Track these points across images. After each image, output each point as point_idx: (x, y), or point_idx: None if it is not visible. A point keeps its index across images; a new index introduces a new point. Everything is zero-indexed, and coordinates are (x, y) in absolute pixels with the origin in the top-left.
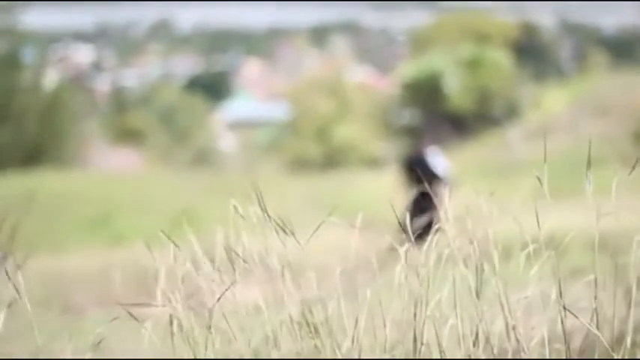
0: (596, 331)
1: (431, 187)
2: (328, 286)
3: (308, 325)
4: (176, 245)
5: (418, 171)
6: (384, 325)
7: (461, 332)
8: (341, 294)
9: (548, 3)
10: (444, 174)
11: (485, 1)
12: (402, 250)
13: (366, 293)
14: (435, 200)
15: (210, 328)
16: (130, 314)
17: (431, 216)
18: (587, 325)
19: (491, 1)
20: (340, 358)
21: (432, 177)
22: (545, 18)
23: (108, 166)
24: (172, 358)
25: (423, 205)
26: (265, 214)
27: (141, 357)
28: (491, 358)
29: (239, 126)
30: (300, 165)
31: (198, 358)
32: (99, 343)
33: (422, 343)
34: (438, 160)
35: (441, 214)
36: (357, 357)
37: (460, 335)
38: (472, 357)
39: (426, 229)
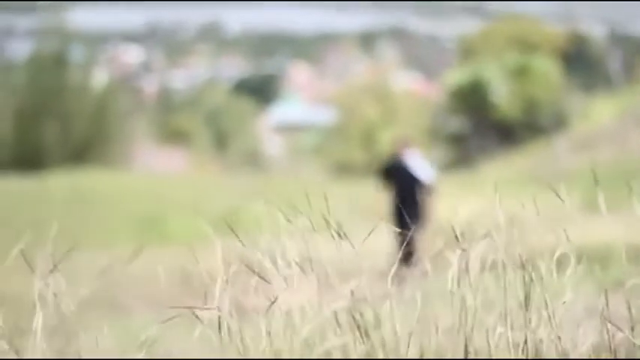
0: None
1: (412, 193)
2: (377, 291)
3: (359, 328)
4: (223, 246)
5: (397, 177)
6: (436, 331)
7: (510, 340)
8: (391, 299)
9: (597, 13)
10: (427, 179)
11: (533, 6)
12: (454, 256)
13: (413, 298)
14: (419, 207)
15: (259, 330)
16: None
17: (416, 224)
18: (629, 336)
19: (537, 0)
20: (388, 358)
21: (412, 182)
22: (594, 28)
23: (154, 167)
24: (221, 358)
25: (408, 212)
26: (325, 220)
27: (191, 357)
28: None
29: (285, 129)
30: (345, 169)
31: (247, 358)
32: (148, 343)
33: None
34: (420, 164)
35: (427, 221)
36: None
37: (509, 343)
38: None
39: (413, 236)
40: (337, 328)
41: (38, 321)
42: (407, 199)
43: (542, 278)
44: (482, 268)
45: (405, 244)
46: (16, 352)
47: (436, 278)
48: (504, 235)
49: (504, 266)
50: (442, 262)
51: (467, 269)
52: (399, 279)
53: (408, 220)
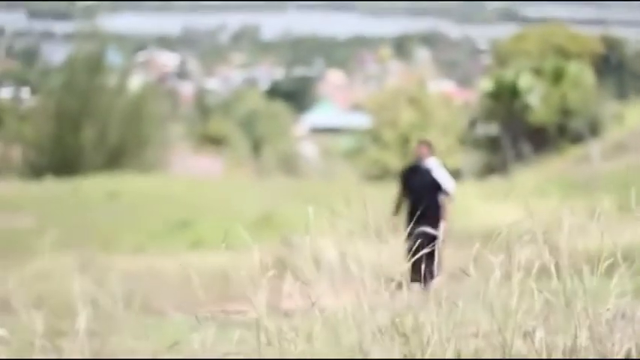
0: None
1: (429, 198)
2: (416, 294)
3: (398, 332)
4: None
5: (415, 180)
6: (476, 335)
7: (550, 344)
8: (429, 303)
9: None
10: (446, 185)
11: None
12: (494, 261)
13: (453, 302)
14: (435, 212)
15: (298, 332)
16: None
17: (431, 228)
18: None
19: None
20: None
21: (430, 187)
22: (627, 33)
23: (190, 171)
24: (260, 359)
25: (424, 216)
26: (366, 222)
27: (225, 358)
28: None
29: (320, 134)
30: (380, 174)
31: (286, 359)
32: (177, 344)
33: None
34: (439, 172)
35: (443, 225)
36: None
37: (549, 347)
38: None
39: (429, 240)
40: (377, 330)
41: (79, 322)
42: (423, 203)
43: (583, 282)
44: (522, 273)
45: (415, 249)
46: (57, 352)
47: (475, 282)
48: (543, 240)
49: (545, 271)
50: (482, 266)
51: (507, 274)
52: (415, 282)
53: (422, 224)
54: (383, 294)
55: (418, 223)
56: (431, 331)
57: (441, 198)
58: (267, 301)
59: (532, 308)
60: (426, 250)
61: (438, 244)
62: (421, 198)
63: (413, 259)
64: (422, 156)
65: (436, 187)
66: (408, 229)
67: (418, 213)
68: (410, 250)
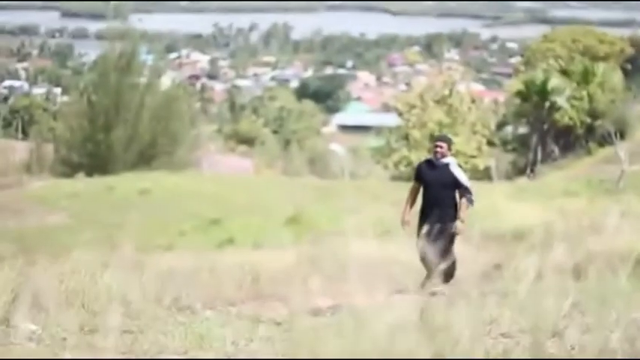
0: None
1: (448, 194)
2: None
3: (427, 331)
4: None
5: (431, 177)
6: (505, 335)
7: (581, 344)
8: (459, 301)
9: None
10: (465, 183)
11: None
12: (525, 261)
13: (482, 301)
14: (450, 209)
15: (329, 329)
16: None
17: (445, 226)
18: None
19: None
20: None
21: (450, 184)
22: None
23: (220, 169)
24: (292, 358)
25: (438, 213)
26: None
27: (255, 357)
28: None
29: (350, 133)
30: (409, 173)
31: (317, 358)
32: (213, 342)
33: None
34: (457, 169)
35: (459, 224)
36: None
37: (580, 347)
38: None
39: (447, 237)
40: (406, 328)
41: (111, 319)
42: (439, 200)
43: (615, 283)
44: (554, 273)
45: (428, 247)
46: (90, 349)
47: (506, 282)
48: (573, 240)
49: (576, 271)
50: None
51: (538, 274)
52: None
53: (437, 221)
54: (413, 292)
55: (433, 220)
56: (460, 330)
57: (457, 195)
58: (297, 299)
59: (563, 308)
60: (439, 248)
61: (452, 242)
62: (437, 194)
63: (426, 257)
64: (439, 152)
65: (453, 184)
66: (423, 226)
67: (433, 209)
68: (424, 247)
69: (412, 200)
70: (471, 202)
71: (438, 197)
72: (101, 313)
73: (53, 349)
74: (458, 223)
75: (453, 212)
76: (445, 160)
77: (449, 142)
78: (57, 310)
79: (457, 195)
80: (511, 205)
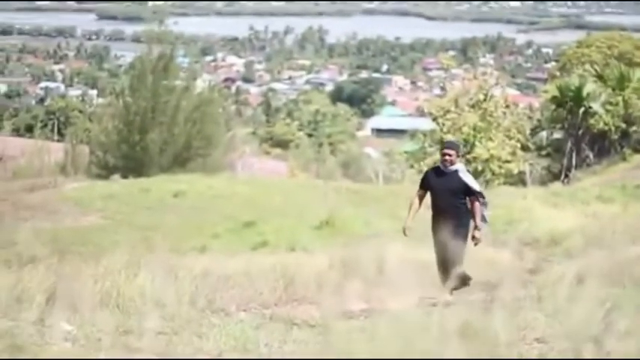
0: None
1: (458, 201)
2: (478, 296)
3: (464, 334)
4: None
5: (440, 183)
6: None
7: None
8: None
9: None
10: (477, 189)
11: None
12: (561, 266)
13: (518, 306)
14: (460, 215)
15: (363, 332)
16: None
17: (457, 232)
18: None
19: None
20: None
21: (460, 191)
22: None
23: (255, 172)
24: (322, 358)
25: (448, 219)
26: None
27: (290, 357)
28: None
29: (384, 137)
30: None
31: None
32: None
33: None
34: (467, 175)
35: (476, 231)
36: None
37: (612, 352)
38: None
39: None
40: (442, 332)
41: (146, 320)
42: (449, 207)
43: None
44: (589, 278)
45: (441, 251)
46: (124, 350)
47: (541, 287)
48: (608, 245)
49: (611, 276)
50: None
51: (573, 279)
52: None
53: (447, 228)
54: (448, 296)
55: (443, 227)
56: (495, 335)
57: (468, 202)
58: (331, 302)
59: (599, 314)
60: (450, 255)
61: (464, 248)
62: (446, 202)
63: (441, 264)
64: (447, 160)
65: (462, 191)
66: (436, 234)
67: (443, 217)
68: (438, 255)
69: (416, 208)
70: (484, 206)
71: (447, 204)
72: (136, 315)
73: (88, 350)
74: (475, 232)
75: (464, 219)
76: (454, 167)
77: (457, 148)
78: (92, 310)
79: (469, 202)
80: (545, 210)
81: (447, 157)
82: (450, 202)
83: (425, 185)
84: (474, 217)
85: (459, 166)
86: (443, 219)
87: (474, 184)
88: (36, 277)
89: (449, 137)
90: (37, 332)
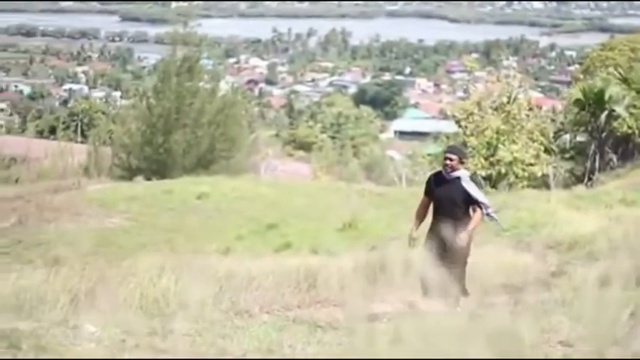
0: None
1: (460, 209)
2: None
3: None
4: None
5: (442, 189)
6: (564, 343)
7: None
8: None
9: None
10: (479, 198)
11: None
12: (584, 269)
13: (541, 309)
14: (460, 223)
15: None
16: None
17: (455, 239)
18: None
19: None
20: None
21: (461, 198)
22: None
23: (278, 174)
24: (350, 358)
25: (448, 227)
26: None
27: (313, 359)
28: None
29: (407, 139)
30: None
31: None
32: (269, 346)
33: None
34: (469, 183)
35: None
36: None
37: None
38: None
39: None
40: (465, 334)
41: (171, 321)
42: (450, 214)
43: None
44: (613, 281)
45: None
46: (148, 351)
47: (564, 290)
48: (632, 248)
49: (635, 279)
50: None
51: (596, 282)
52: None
53: (443, 241)
54: (473, 299)
55: (441, 239)
56: (519, 338)
57: (470, 210)
58: (354, 305)
59: (624, 316)
60: (447, 272)
61: (465, 265)
62: (446, 211)
63: (429, 274)
64: (448, 165)
65: (464, 200)
66: (429, 245)
67: (441, 228)
68: (425, 269)
69: (421, 216)
70: (489, 216)
71: (447, 214)
72: (160, 316)
73: (112, 351)
74: (462, 233)
75: (460, 224)
76: (456, 174)
77: (460, 153)
78: (116, 311)
79: (471, 212)
80: (569, 213)
81: (448, 162)
82: (450, 211)
83: (428, 192)
84: (472, 221)
85: (462, 173)
86: (442, 229)
87: (477, 194)
88: (60, 279)
89: (471, 140)
90: (62, 333)
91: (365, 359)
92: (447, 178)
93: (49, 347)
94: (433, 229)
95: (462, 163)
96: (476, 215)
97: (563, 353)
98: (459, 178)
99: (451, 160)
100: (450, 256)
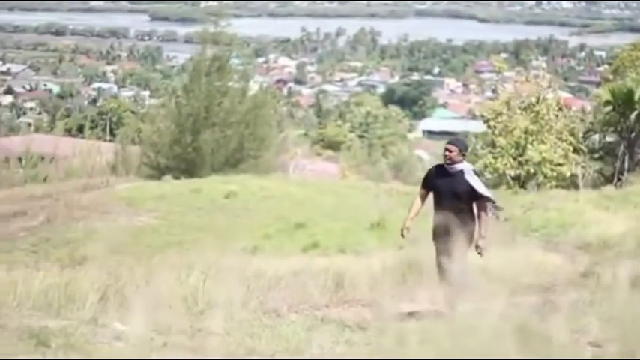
0: None
1: (462, 203)
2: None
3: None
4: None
5: (443, 185)
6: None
7: None
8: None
9: None
10: (482, 191)
11: None
12: (616, 270)
13: (569, 309)
14: (469, 218)
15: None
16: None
17: (459, 236)
18: None
19: None
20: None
21: (463, 192)
22: None
23: (306, 174)
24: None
25: (450, 223)
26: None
27: (342, 358)
28: None
29: (436, 139)
30: (494, 180)
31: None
32: (298, 345)
33: None
34: (472, 176)
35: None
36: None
37: None
38: None
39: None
40: (494, 332)
41: (199, 320)
42: (451, 209)
43: None
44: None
45: (442, 254)
46: (175, 349)
47: (593, 290)
48: None
49: None
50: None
51: (627, 282)
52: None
53: (450, 232)
54: (503, 299)
55: (445, 233)
56: (550, 337)
57: (473, 204)
58: (383, 304)
59: None
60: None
61: (465, 257)
62: (449, 205)
63: (440, 267)
64: (447, 156)
65: (467, 194)
66: (437, 241)
67: (444, 222)
68: (441, 264)
69: (417, 208)
70: (493, 212)
71: (449, 208)
72: (188, 315)
73: (140, 349)
74: (480, 241)
75: (468, 226)
76: (459, 167)
77: (460, 145)
78: (144, 310)
79: (476, 207)
80: (597, 213)
81: (448, 154)
82: (453, 205)
83: (427, 184)
84: (480, 224)
85: (465, 167)
86: (445, 224)
87: (481, 188)
88: (89, 277)
89: (500, 140)
90: (91, 331)
91: (395, 359)
92: (450, 171)
93: (77, 345)
94: (436, 223)
95: (462, 155)
96: (484, 217)
97: (593, 354)
98: (461, 171)
99: (450, 151)
100: (452, 249)
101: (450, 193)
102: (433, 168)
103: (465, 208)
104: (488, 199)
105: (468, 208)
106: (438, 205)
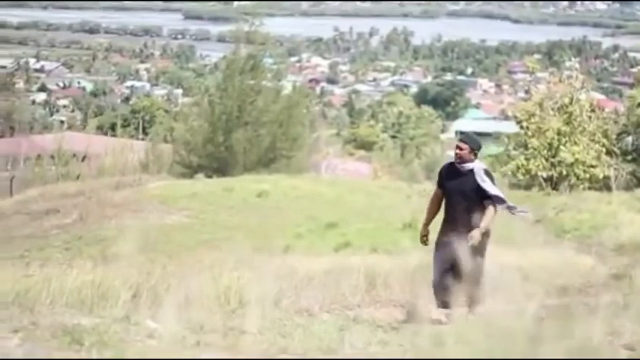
0: None
1: (472, 204)
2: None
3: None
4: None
5: (454, 184)
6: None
7: None
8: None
9: None
10: (492, 192)
11: None
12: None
13: (602, 311)
14: (472, 219)
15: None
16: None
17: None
18: None
19: None
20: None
21: (473, 192)
22: None
23: (338, 174)
24: (413, 358)
25: (459, 222)
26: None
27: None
28: None
29: None
30: (527, 182)
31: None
32: (330, 345)
33: None
34: (483, 176)
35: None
36: None
37: None
38: None
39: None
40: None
41: (231, 319)
42: (458, 213)
43: None
44: None
45: (448, 255)
46: (208, 348)
47: (626, 292)
48: None
49: None
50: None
51: None
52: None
53: (459, 233)
54: (530, 299)
55: (454, 231)
56: (582, 341)
57: (482, 205)
58: (415, 305)
59: None
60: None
61: (482, 264)
62: (457, 205)
63: (442, 279)
64: (458, 154)
65: (476, 194)
66: (440, 244)
67: (452, 224)
68: (441, 266)
69: (433, 210)
70: (509, 209)
71: (458, 209)
72: (221, 313)
73: (173, 347)
74: (474, 231)
75: (472, 219)
76: (469, 166)
77: (472, 143)
78: (177, 308)
79: (482, 204)
80: (630, 215)
81: (458, 152)
82: (463, 207)
83: (440, 184)
84: (484, 218)
85: (476, 166)
86: (453, 226)
87: (491, 187)
88: (121, 275)
89: (532, 141)
90: (123, 329)
91: (429, 359)
92: (461, 170)
93: (110, 343)
94: (445, 226)
95: (474, 154)
96: (488, 212)
97: (627, 356)
98: (472, 170)
99: (461, 149)
100: (468, 262)
101: (459, 193)
102: (444, 166)
103: (475, 209)
104: (498, 200)
105: (479, 209)
106: (449, 205)
